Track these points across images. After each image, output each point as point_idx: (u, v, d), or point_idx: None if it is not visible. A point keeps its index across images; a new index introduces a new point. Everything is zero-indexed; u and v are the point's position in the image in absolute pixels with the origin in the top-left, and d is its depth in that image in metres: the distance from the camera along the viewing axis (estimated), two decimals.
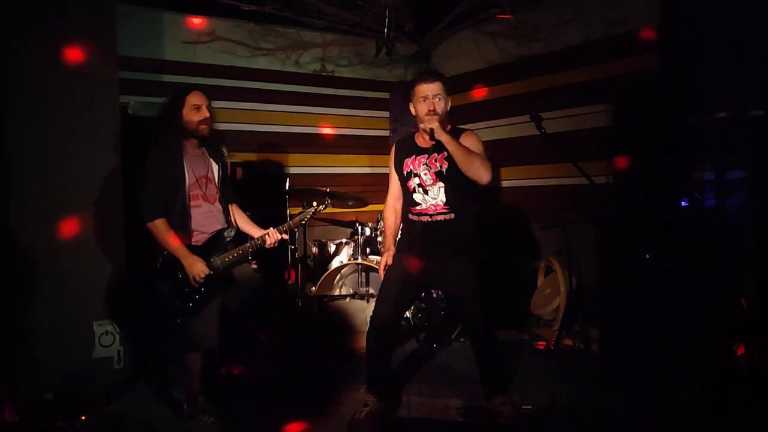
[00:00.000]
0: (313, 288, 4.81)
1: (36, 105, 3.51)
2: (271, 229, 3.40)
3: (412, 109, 3.33)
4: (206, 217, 3.31)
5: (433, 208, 3.26)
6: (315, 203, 3.65)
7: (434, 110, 3.18)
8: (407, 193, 3.35)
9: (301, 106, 6.04)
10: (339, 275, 4.84)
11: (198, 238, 3.27)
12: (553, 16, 5.34)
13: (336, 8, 5.40)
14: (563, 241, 4.54)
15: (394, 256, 3.41)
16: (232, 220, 3.47)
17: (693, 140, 3.83)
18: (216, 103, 3.35)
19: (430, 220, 3.27)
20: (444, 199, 3.25)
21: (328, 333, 4.44)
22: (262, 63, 5.80)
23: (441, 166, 3.25)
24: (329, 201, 3.89)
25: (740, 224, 3.56)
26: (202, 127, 3.25)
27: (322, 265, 5.03)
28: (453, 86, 6.27)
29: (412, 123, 3.49)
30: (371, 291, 4.62)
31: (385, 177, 3.65)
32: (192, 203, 3.26)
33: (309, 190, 5.11)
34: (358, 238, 4.79)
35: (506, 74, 5.85)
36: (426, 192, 3.27)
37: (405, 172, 3.32)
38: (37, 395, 3.41)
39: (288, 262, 4.98)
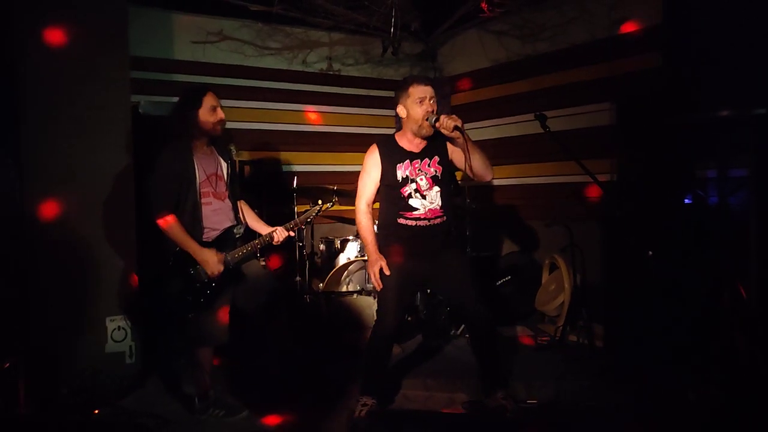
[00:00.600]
0: (321, 285, 4.86)
1: (50, 105, 3.58)
2: (279, 227, 3.45)
3: (402, 111, 3.28)
4: (217, 214, 3.36)
5: (431, 212, 3.29)
6: (320, 201, 3.70)
7: (433, 111, 3.19)
8: (399, 199, 3.29)
9: (308, 105, 6.10)
10: (346, 272, 4.89)
11: (209, 235, 3.32)
12: (558, 15, 5.38)
13: (343, 8, 5.45)
14: (567, 238, 4.58)
15: (387, 263, 3.30)
16: (241, 217, 3.53)
17: (696, 138, 3.85)
18: (224, 102, 3.39)
19: (427, 224, 3.30)
20: (440, 203, 3.30)
21: (335, 329, 4.49)
22: (269, 62, 5.85)
23: (435, 171, 3.29)
24: (336, 199, 3.94)
25: (742, 221, 3.58)
26: (217, 127, 3.32)
27: (329, 261, 5.08)
28: (458, 85, 6.41)
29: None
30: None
31: None
32: (203, 200, 3.31)
33: (316, 187, 5.17)
34: None
35: (511, 73, 5.89)
36: (424, 197, 3.29)
37: (400, 179, 3.28)
38: (52, 389, 3.48)
39: (296, 259, 5.03)
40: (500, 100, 6.03)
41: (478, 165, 3.18)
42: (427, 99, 3.20)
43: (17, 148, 3.50)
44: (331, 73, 6.16)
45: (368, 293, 4.50)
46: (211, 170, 3.38)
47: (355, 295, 4.51)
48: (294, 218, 3.59)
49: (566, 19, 5.31)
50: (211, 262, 3.22)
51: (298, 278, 5.00)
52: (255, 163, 5.41)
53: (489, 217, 5.93)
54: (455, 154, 3.31)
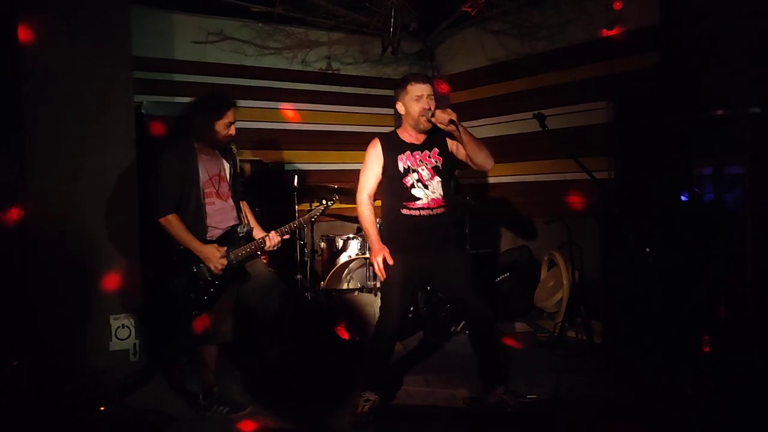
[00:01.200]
0: (322, 282, 4.90)
1: (54, 105, 3.60)
2: (271, 232, 3.47)
3: (401, 107, 3.37)
4: (220, 214, 3.40)
5: (433, 202, 3.35)
6: (324, 200, 3.74)
7: (430, 108, 3.27)
8: (402, 190, 3.35)
9: (308, 104, 6.13)
10: (347, 270, 4.92)
11: (212, 234, 3.36)
12: (556, 15, 5.42)
13: (344, 9, 5.49)
14: (566, 235, 4.62)
15: (391, 255, 3.33)
16: (244, 216, 3.57)
17: (692, 136, 3.90)
18: None
19: (431, 213, 3.35)
20: (441, 193, 3.37)
21: (337, 326, 4.53)
22: (269, 62, 5.88)
23: (436, 162, 3.37)
24: (337, 197, 3.97)
25: (738, 217, 3.63)
26: (225, 141, 3.40)
27: (330, 259, 5.11)
28: (457, 83, 6.44)
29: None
30: (378, 285, 4.70)
31: None
32: (206, 201, 3.35)
33: (317, 186, 5.20)
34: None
35: (510, 72, 5.93)
36: (426, 187, 3.35)
37: (402, 169, 3.34)
38: (57, 387, 3.50)
39: (297, 258, 5.07)
40: (498, 99, 6.06)
41: (476, 154, 3.29)
42: (425, 96, 3.29)
43: (21, 148, 3.52)
44: (331, 72, 6.19)
45: (369, 291, 4.54)
46: (214, 171, 3.42)
47: (356, 293, 4.55)
48: (296, 217, 3.62)
49: (564, 18, 5.36)
50: (214, 257, 3.26)
51: (299, 276, 5.04)
52: (256, 163, 5.43)
53: (488, 215, 5.98)
54: (455, 146, 3.40)
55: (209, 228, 3.36)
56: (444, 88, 6.50)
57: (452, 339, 4.74)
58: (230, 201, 3.48)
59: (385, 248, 3.34)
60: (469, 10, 5.37)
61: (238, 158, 3.69)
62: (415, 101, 3.29)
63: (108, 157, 3.76)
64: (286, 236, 3.53)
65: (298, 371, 4.02)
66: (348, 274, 4.94)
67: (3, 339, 3.41)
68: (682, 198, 3.98)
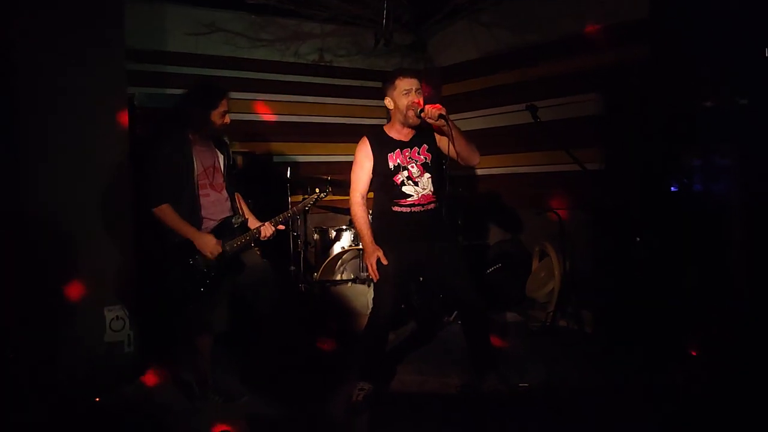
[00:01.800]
0: (316, 273, 4.93)
1: (46, 98, 3.58)
2: (266, 223, 3.51)
3: (389, 102, 3.39)
4: (214, 205, 3.42)
5: (424, 198, 3.40)
6: (318, 190, 3.77)
7: (417, 103, 3.30)
8: (392, 187, 3.39)
9: (300, 96, 6.13)
10: (340, 261, 4.95)
11: (207, 225, 3.38)
12: (547, 7, 5.44)
13: (337, 1, 5.49)
14: (557, 226, 4.66)
15: (384, 253, 3.37)
16: (239, 208, 3.59)
17: (681, 128, 3.95)
18: None
19: (422, 209, 3.40)
20: (432, 189, 3.42)
21: (330, 316, 4.56)
22: (261, 53, 5.87)
23: (425, 158, 3.41)
24: (330, 189, 4.00)
25: (726, 207, 3.68)
26: (220, 130, 3.42)
27: (323, 251, 5.13)
28: (449, 76, 6.46)
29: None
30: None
31: None
32: (201, 192, 3.37)
33: (310, 178, 5.21)
34: None
35: (501, 64, 5.94)
36: (416, 183, 3.39)
37: (392, 167, 3.38)
38: (51, 379, 3.52)
39: (290, 249, 5.09)
40: (490, 91, 6.07)
41: (464, 149, 3.31)
42: (413, 91, 3.31)
43: (13, 141, 3.51)
44: (323, 64, 6.19)
45: (362, 281, 4.57)
46: (208, 162, 3.44)
47: (349, 284, 4.58)
48: (288, 208, 3.64)
49: (555, 11, 5.37)
50: (209, 244, 3.29)
51: (292, 267, 5.06)
52: (248, 154, 5.44)
53: (480, 206, 6.02)
54: (442, 141, 3.40)
55: (204, 219, 3.38)
56: (434, 82, 6.50)
57: (445, 329, 4.79)
58: (225, 192, 3.50)
59: (379, 249, 3.37)
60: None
61: (231, 150, 3.70)
62: (404, 95, 3.32)
63: (101, 149, 3.75)
64: (281, 227, 3.56)
65: (292, 361, 4.04)
66: (341, 265, 4.97)
67: None
68: (672, 189, 4.03)
